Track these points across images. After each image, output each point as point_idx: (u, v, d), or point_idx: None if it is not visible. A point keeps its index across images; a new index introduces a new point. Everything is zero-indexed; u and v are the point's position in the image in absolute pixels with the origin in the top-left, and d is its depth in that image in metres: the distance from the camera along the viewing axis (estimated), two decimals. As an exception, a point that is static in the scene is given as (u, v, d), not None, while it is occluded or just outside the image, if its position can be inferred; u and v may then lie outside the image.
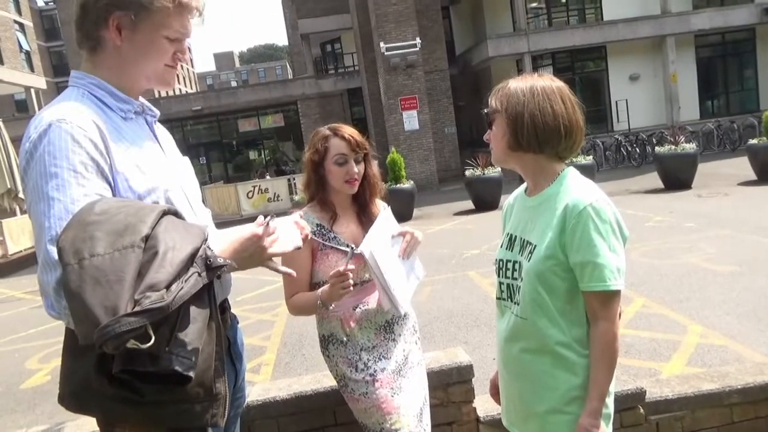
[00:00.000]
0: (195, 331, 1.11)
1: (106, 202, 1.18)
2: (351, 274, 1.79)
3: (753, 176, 11.05)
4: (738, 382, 2.52)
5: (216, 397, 1.22)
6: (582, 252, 1.38)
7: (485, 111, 1.53)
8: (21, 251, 13.22)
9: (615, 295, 1.41)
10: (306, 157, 2.01)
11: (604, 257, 1.37)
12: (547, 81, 1.48)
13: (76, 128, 1.24)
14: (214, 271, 1.14)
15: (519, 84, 1.47)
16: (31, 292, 9.35)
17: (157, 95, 29.92)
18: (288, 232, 1.41)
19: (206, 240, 1.18)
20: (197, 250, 1.13)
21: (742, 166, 12.19)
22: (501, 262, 1.57)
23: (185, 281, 1.08)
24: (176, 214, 1.22)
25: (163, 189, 1.35)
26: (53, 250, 1.13)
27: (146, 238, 1.09)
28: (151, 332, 1.01)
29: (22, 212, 14.24)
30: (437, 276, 6.60)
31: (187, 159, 1.57)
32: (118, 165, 1.29)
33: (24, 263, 12.66)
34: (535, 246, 1.45)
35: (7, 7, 28.70)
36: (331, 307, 1.89)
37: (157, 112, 1.49)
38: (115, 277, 1.03)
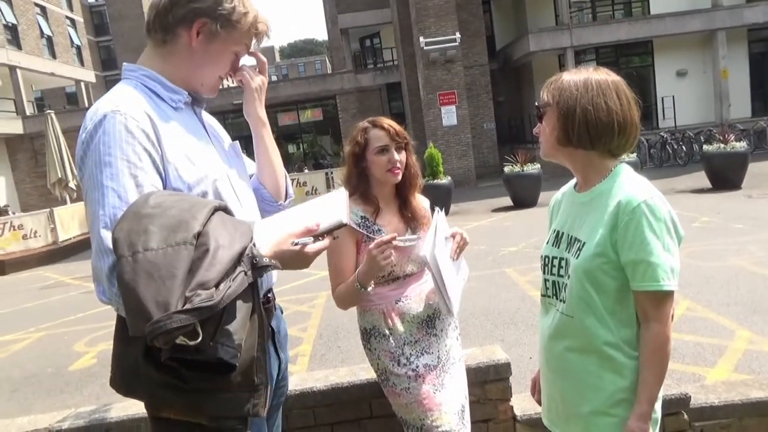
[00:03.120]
0: (239, 322, 1.13)
1: (160, 195, 1.21)
2: (393, 244, 1.79)
3: (808, 177, 10.58)
4: (789, 391, 2.42)
5: (257, 388, 1.24)
6: (635, 250, 1.34)
7: (536, 104, 1.49)
8: (70, 238, 13.73)
9: (668, 295, 1.37)
10: (347, 151, 2.01)
11: (657, 256, 1.33)
12: (602, 75, 1.43)
13: (130, 119, 1.27)
14: (259, 270, 1.16)
15: (573, 77, 1.43)
16: (80, 278, 9.72)
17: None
18: (330, 209, 1.39)
19: (253, 238, 1.20)
20: (245, 248, 1.15)
21: (796, 167, 11.68)
22: (547, 259, 1.54)
23: (233, 280, 1.10)
24: (226, 210, 1.25)
25: (211, 179, 1.39)
26: (107, 237, 1.17)
27: (198, 235, 1.12)
28: (200, 330, 1.04)
29: (72, 201, 14.80)
30: (474, 273, 6.50)
31: (237, 143, 1.60)
32: (169, 155, 1.32)
33: (74, 250, 13.17)
34: (584, 243, 1.41)
35: (60, 3, 29.75)
36: (369, 289, 1.87)
37: (204, 102, 1.53)
38: (168, 273, 1.06)
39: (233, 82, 1.66)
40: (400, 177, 1.97)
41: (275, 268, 1.24)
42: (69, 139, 15.01)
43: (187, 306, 1.03)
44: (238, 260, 1.13)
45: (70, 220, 14.08)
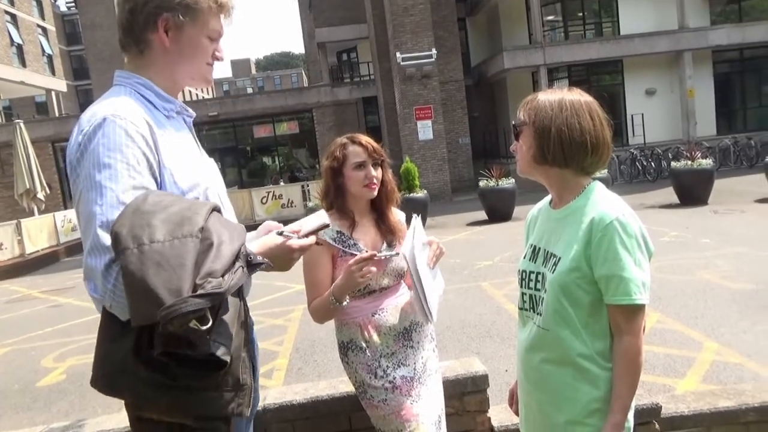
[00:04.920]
0: (229, 321, 1.18)
1: (158, 194, 1.24)
2: (373, 267, 1.82)
3: (770, 193, 10.95)
4: (755, 400, 2.51)
5: (242, 387, 1.26)
6: (608, 265, 1.39)
7: (513, 122, 1.54)
8: (38, 251, 13.39)
9: (640, 309, 1.42)
10: (325, 166, 2.06)
11: (629, 271, 1.38)
12: (576, 95, 1.49)
13: (129, 123, 1.29)
14: (253, 267, 1.21)
15: (548, 97, 1.48)
16: (48, 292, 9.48)
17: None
18: (312, 219, 1.46)
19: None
20: (242, 245, 1.21)
21: (759, 183, 12.08)
22: (524, 273, 1.59)
23: (234, 273, 1.15)
24: (219, 212, 1.29)
25: (203, 186, 1.42)
26: (104, 236, 1.18)
27: (202, 230, 1.16)
28: (210, 315, 1.08)
29: (40, 212, 14.44)
30: (450, 286, 6.58)
31: (212, 160, 1.62)
32: (165, 161, 1.34)
33: (41, 263, 12.83)
34: (560, 258, 1.46)
35: (31, 11, 29.25)
36: (344, 303, 1.90)
37: (193, 113, 1.56)
38: (177, 263, 1.09)
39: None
40: (376, 192, 2.02)
41: (267, 266, 1.28)
42: (38, 149, 14.71)
43: (201, 291, 1.07)
44: (237, 256, 1.18)
45: (38, 233, 13.73)
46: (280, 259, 1.36)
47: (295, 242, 1.36)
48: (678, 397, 2.68)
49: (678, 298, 5.48)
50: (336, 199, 2.02)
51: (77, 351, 5.75)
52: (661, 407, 2.46)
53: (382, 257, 1.92)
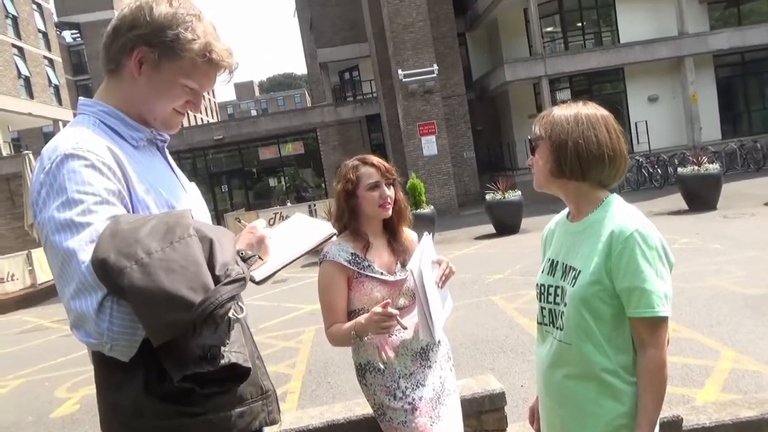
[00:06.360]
0: (238, 330, 1.18)
1: (128, 216, 1.18)
2: (397, 320, 1.82)
3: (780, 196, 10.86)
4: (778, 409, 2.46)
5: (267, 394, 1.27)
6: (629, 278, 1.38)
7: (529, 137, 1.55)
8: (49, 281, 13.43)
9: (663, 321, 1.40)
10: (338, 189, 2.05)
11: (651, 283, 1.37)
12: (591, 109, 1.49)
13: (93, 155, 1.21)
14: (247, 262, 1.22)
15: (564, 112, 1.49)
16: (59, 321, 9.49)
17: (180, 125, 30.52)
18: (306, 230, 1.50)
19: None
20: (235, 240, 1.23)
21: (767, 186, 11.99)
22: (542, 287, 1.58)
23: (237, 264, 1.15)
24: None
25: None
26: (90, 274, 1.09)
27: (195, 230, 1.13)
28: (242, 304, 1.09)
29: (50, 242, 14.50)
30: (461, 301, 6.55)
31: (194, 184, 1.54)
32: (139, 193, 1.27)
33: (52, 292, 12.85)
34: (580, 271, 1.45)
35: (38, 43, 29.75)
36: (366, 339, 1.91)
37: (167, 137, 1.46)
38: (190, 262, 1.06)
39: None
40: (390, 213, 2.03)
41: (258, 258, 1.31)
42: (47, 179, 14.75)
43: (227, 279, 1.07)
44: (235, 251, 1.18)
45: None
46: (255, 247, 1.39)
47: (255, 225, 1.42)
48: (699, 408, 2.64)
49: (692, 306, 5.42)
50: (350, 222, 2.03)
51: (90, 380, 5.68)
52: (682, 419, 2.42)
53: (403, 323, 1.90)
